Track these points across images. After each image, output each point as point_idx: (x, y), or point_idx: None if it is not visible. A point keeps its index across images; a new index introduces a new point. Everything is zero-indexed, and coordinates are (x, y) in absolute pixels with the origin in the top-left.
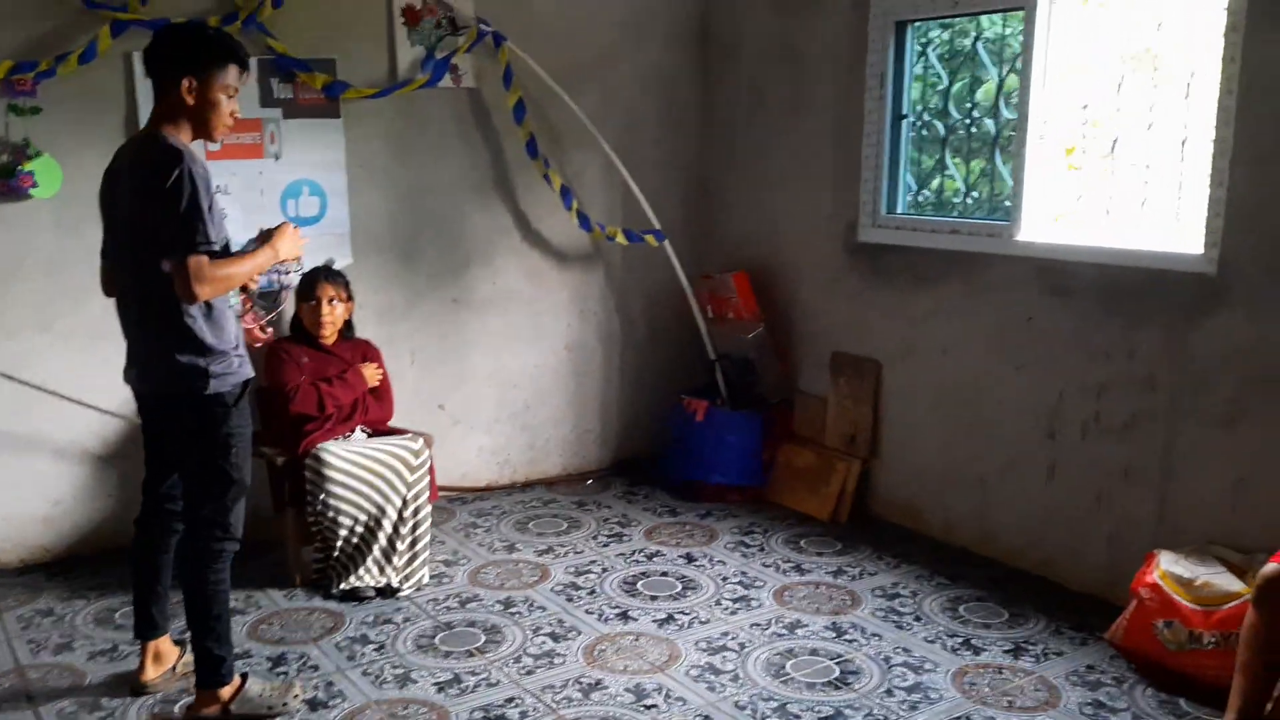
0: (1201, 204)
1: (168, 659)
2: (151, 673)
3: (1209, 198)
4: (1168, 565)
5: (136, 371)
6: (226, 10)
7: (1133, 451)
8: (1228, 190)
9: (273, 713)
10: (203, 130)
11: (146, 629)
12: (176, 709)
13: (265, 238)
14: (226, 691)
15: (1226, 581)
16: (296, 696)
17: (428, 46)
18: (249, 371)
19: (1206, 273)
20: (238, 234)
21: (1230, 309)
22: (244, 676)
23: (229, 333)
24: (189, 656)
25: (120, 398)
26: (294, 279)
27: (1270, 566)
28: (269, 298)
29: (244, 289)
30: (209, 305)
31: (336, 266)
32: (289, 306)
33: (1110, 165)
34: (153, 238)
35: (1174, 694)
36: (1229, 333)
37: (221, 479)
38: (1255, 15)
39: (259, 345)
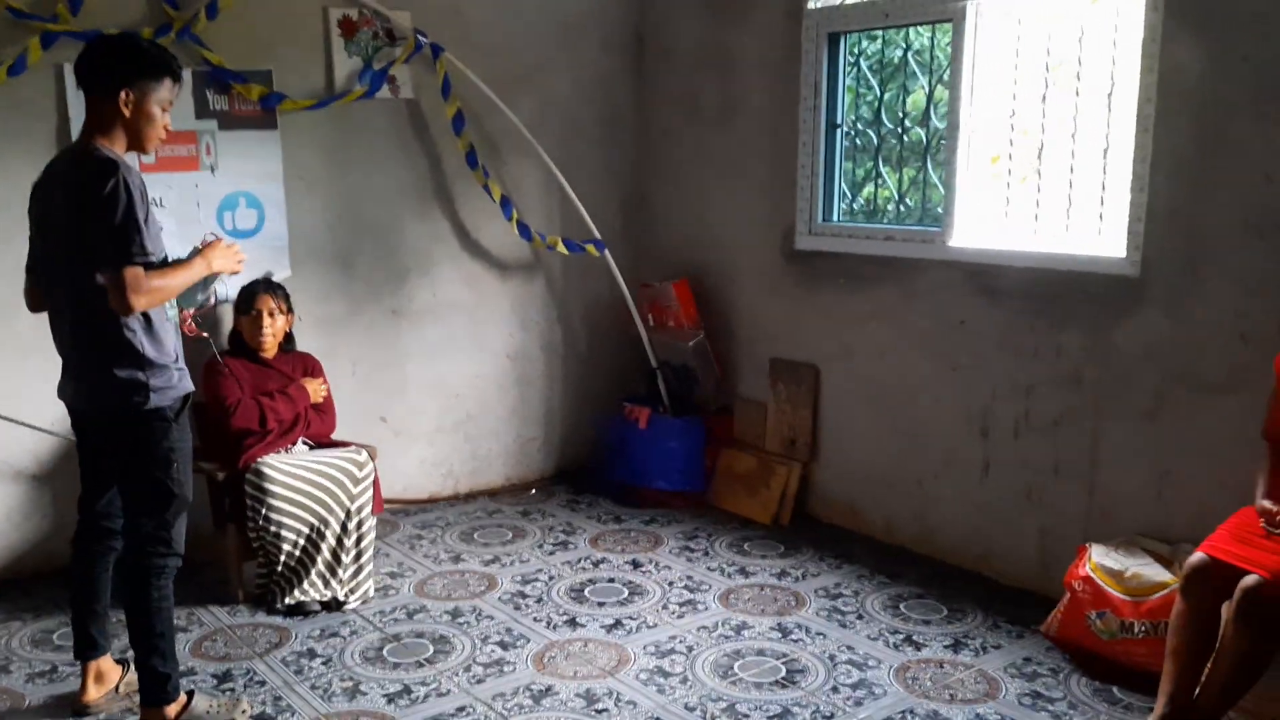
0: (1124, 209)
1: (110, 679)
2: (94, 693)
3: (1130, 202)
4: (1099, 558)
5: (73, 388)
6: (160, 22)
7: (1062, 448)
8: (1148, 195)
9: None
10: (136, 143)
11: (87, 649)
12: None
13: (198, 252)
14: (172, 709)
15: (1154, 572)
16: (245, 713)
17: (365, 58)
18: (189, 385)
19: (1129, 274)
20: (174, 248)
21: (1151, 308)
22: (190, 694)
23: (168, 346)
24: (131, 675)
25: (52, 414)
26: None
27: (1196, 556)
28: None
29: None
30: (148, 318)
31: (275, 279)
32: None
33: (1037, 172)
34: (88, 250)
35: (1107, 682)
36: (1149, 331)
37: (163, 494)
38: (1170, 28)
39: (191, 336)
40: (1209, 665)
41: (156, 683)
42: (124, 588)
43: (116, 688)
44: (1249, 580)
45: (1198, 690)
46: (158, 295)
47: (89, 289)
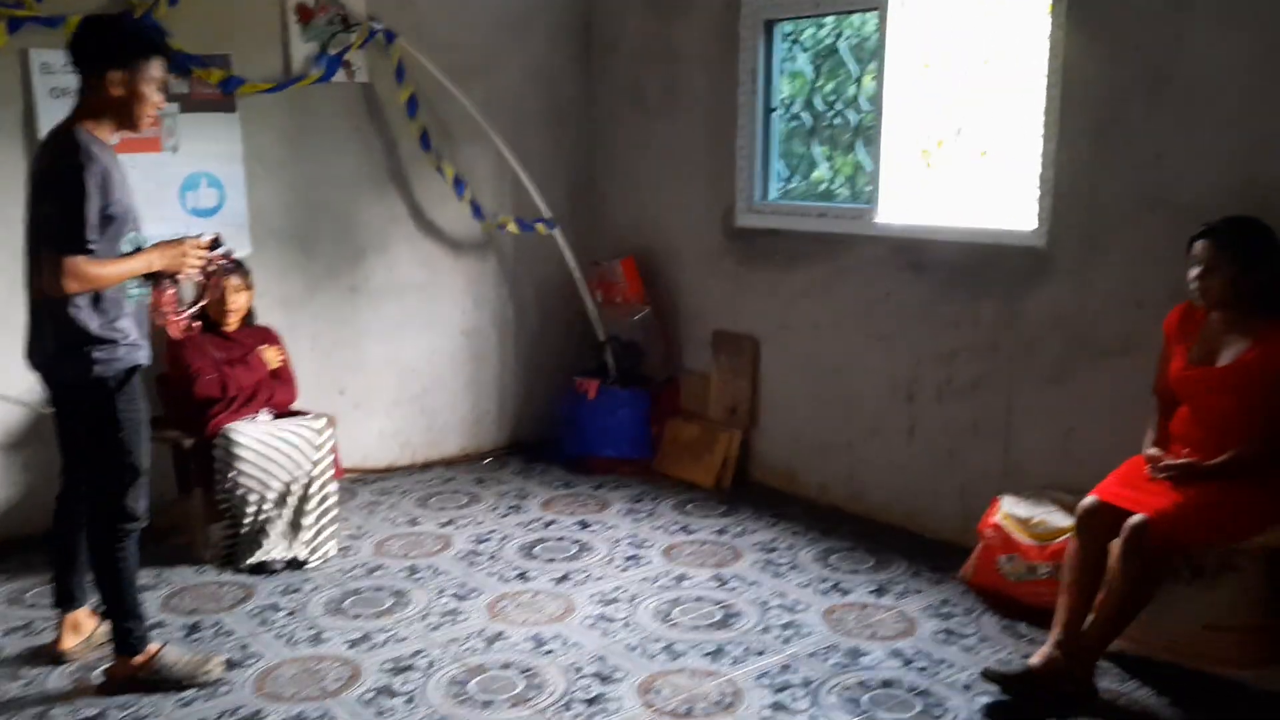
0: (1034, 185)
1: (85, 628)
2: (69, 641)
3: (1039, 178)
4: (1008, 508)
5: (32, 357)
6: (122, 8)
7: (979, 410)
8: (1054, 172)
9: (188, 682)
10: (128, 123)
11: (65, 601)
12: (94, 675)
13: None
14: (140, 659)
15: (1058, 519)
16: (209, 672)
17: (321, 43)
18: (139, 359)
19: (1038, 246)
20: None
21: (1057, 279)
22: (163, 646)
23: (118, 322)
24: (106, 626)
25: (22, 385)
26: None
27: (1088, 499)
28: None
29: (158, 283)
30: (97, 296)
31: (236, 256)
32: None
33: (958, 151)
34: (37, 226)
35: (1015, 620)
36: (1056, 300)
37: (113, 461)
38: (1074, 19)
39: (180, 337)
40: (1099, 598)
41: (123, 635)
42: (89, 553)
43: (89, 637)
44: (1134, 519)
45: (1088, 620)
46: (90, 284)
47: (38, 263)
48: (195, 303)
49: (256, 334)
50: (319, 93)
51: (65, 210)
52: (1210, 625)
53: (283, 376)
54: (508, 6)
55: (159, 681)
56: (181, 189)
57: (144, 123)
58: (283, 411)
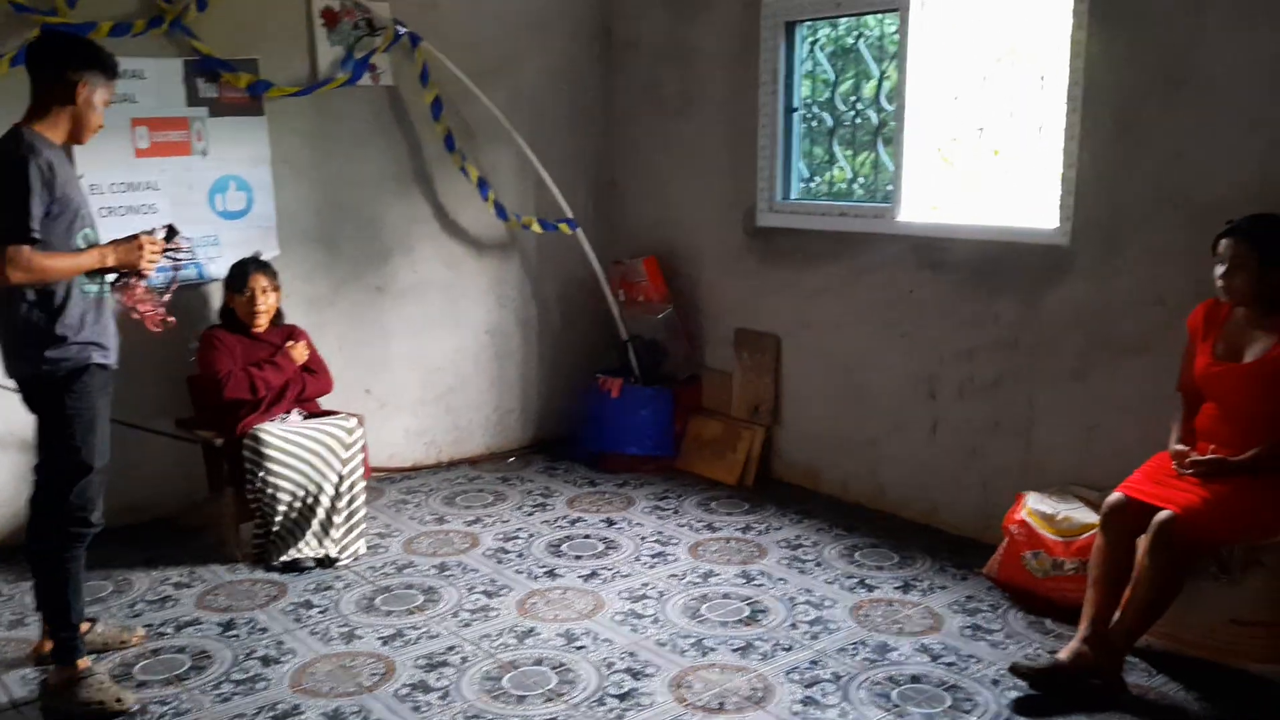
0: (1055, 183)
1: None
2: (49, 645)
3: (1061, 177)
4: (1033, 504)
5: None
6: (153, 14)
7: (1000, 407)
8: (1077, 170)
9: (110, 708)
10: (77, 133)
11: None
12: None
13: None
14: (83, 663)
15: (1083, 515)
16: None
17: (347, 47)
18: (92, 358)
19: (1060, 244)
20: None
21: (1078, 276)
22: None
23: (70, 319)
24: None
25: None
26: (167, 274)
27: (1114, 496)
28: (160, 289)
29: (121, 279)
30: (47, 291)
31: (264, 258)
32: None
33: (977, 150)
34: None
35: (1041, 615)
36: (1077, 297)
37: (62, 458)
38: (1096, 18)
39: (159, 330)
40: (1126, 593)
41: (62, 644)
42: (26, 552)
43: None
44: (1161, 515)
45: (1116, 616)
46: (37, 275)
47: None
48: (165, 292)
49: (282, 333)
50: (345, 96)
51: (7, 201)
52: (1237, 620)
53: (315, 365)
54: (529, 8)
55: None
56: (210, 192)
57: (89, 135)
58: (315, 410)
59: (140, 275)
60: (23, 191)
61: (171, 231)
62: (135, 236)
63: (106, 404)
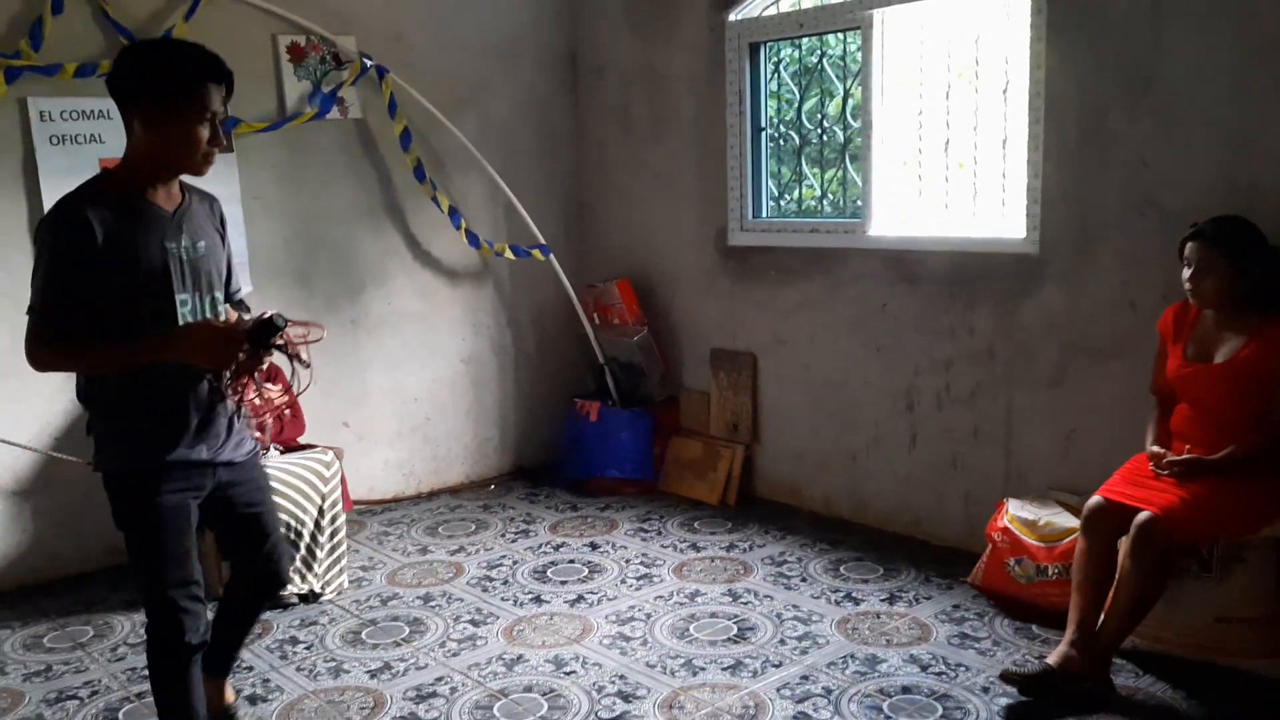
0: (1022, 193)
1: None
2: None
3: (1027, 187)
4: (1015, 511)
5: None
6: (116, 54)
7: (979, 416)
8: (1042, 180)
9: None
10: (176, 165)
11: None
12: None
13: (186, 332)
14: None
15: (1065, 520)
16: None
17: (314, 81)
18: (148, 462)
19: (1030, 253)
20: None
21: (1050, 284)
22: None
23: (132, 414)
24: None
25: (30, 431)
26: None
27: (1094, 499)
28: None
29: (224, 380)
30: (104, 375)
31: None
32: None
33: (944, 164)
34: None
35: (1027, 621)
36: (1049, 305)
37: (131, 558)
38: (1055, 29)
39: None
40: (1110, 596)
41: None
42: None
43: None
44: (1141, 516)
45: (1101, 618)
46: (68, 364)
47: None
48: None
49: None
50: (314, 130)
51: (35, 269)
52: (1221, 618)
53: (291, 410)
54: (495, 38)
55: None
56: None
57: (196, 162)
58: (290, 446)
59: (243, 373)
60: (41, 260)
61: (272, 327)
62: (213, 325)
63: (181, 511)
